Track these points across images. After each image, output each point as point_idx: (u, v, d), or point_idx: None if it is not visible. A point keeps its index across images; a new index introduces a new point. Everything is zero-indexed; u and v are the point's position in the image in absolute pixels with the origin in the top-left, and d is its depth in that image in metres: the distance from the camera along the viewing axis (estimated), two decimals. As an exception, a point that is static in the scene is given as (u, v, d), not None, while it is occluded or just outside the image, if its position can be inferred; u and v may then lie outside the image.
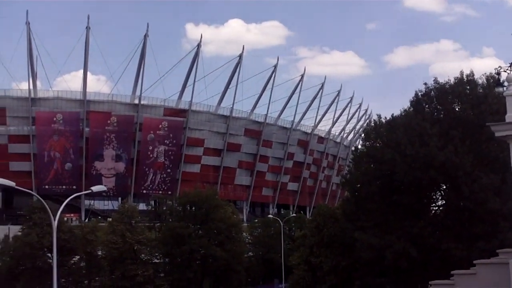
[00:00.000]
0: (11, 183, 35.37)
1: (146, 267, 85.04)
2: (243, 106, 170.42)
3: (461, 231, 57.31)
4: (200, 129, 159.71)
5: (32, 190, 48.33)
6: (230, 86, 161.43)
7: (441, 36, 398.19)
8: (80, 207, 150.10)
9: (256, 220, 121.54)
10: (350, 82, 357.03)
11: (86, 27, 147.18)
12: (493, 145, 54.81)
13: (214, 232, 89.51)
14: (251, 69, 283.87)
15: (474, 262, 34.01)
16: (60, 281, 76.05)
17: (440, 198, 63.80)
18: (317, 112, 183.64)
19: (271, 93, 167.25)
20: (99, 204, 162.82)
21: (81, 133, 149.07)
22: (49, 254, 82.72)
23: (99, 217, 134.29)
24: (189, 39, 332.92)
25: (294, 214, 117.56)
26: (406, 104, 64.67)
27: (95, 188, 40.63)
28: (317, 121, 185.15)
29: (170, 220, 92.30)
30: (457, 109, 60.72)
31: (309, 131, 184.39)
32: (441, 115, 61.10)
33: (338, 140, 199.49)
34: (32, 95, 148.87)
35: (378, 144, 63.94)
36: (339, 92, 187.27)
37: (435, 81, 62.77)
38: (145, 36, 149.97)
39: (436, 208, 64.59)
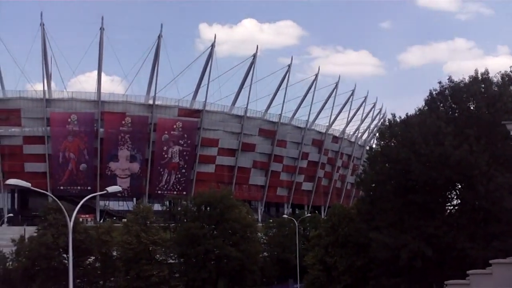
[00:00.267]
0: (27, 184, 35.46)
1: (161, 268, 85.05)
2: (257, 106, 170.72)
3: (477, 230, 57.09)
4: (215, 129, 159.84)
5: (47, 191, 48.39)
6: (244, 86, 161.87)
7: (455, 35, 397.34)
8: (95, 208, 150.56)
9: (271, 220, 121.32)
10: (364, 81, 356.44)
11: (100, 28, 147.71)
12: (508, 143, 54.44)
13: (229, 232, 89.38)
14: (265, 69, 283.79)
15: (490, 261, 33.80)
16: (76, 282, 76.22)
17: (455, 197, 63.51)
18: (332, 112, 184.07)
19: (285, 93, 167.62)
20: (113, 205, 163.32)
21: (95, 134, 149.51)
22: (65, 255, 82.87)
23: (114, 218, 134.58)
24: (203, 39, 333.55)
25: (309, 214, 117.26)
26: (421, 103, 64.40)
27: (111, 189, 40.64)
28: (331, 120, 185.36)
29: (185, 220, 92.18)
30: (472, 107, 60.40)
31: (323, 130, 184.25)
32: (456, 114, 60.84)
33: (353, 139, 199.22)
34: (47, 96, 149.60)
35: (392, 144, 63.70)
36: (353, 91, 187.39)
37: (450, 79, 62.51)
38: (159, 36, 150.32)
39: (451, 207, 64.30)
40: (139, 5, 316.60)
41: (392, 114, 66.82)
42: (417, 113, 63.34)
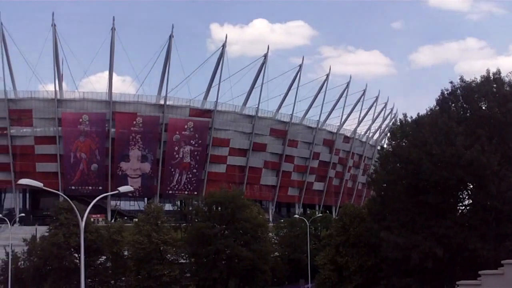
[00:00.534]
0: (39, 184, 35.52)
1: (172, 267, 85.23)
2: (268, 106, 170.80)
3: (488, 230, 56.89)
4: (226, 129, 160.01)
5: (58, 191, 48.52)
6: (256, 86, 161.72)
7: (466, 34, 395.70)
8: (106, 208, 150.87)
9: (282, 220, 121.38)
10: (375, 81, 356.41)
11: (112, 29, 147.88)
12: (520, 143, 54.46)
13: (240, 232, 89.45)
14: (276, 69, 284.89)
15: (502, 262, 33.69)
16: (87, 281, 76.42)
17: (466, 197, 63.30)
18: (343, 112, 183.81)
19: (296, 92, 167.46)
20: (125, 205, 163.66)
21: (107, 134, 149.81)
22: (76, 254, 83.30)
23: (125, 218, 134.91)
24: (214, 39, 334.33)
25: (320, 214, 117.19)
26: (432, 103, 64.33)
27: (122, 189, 40.59)
28: (342, 120, 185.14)
29: (196, 220, 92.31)
30: (483, 107, 60.21)
31: (334, 130, 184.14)
32: (468, 114, 60.69)
33: (364, 139, 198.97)
34: (58, 97, 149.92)
35: (404, 143, 63.58)
36: (364, 91, 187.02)
37: (461, 79, 62.33)
38: (170, 36, 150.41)
39: (463, 207, 64.09)
40: (150, 6, 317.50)
41: (403, 114, 66.88)
42: (429, 113, 63.20)
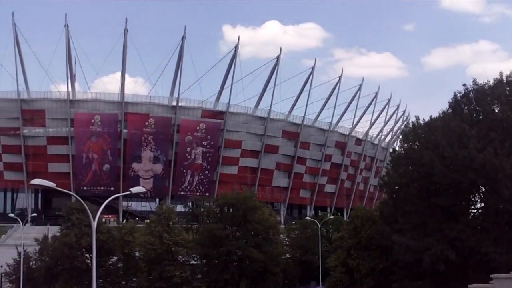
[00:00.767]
0: (52, 184, 35.63)
1: (183, 268, 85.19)
2: (280, 108, 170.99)
3: (501, 234, 56.72)
4: (238, 131, 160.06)
5: (70, 191, 48.72)
6: (268, 88, 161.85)
7: (479, 37, 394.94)
8: (118, 208, 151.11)
9: (294, 222, 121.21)
10: (388, 84, 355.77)
11: (124, 30, 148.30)
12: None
13: (251, 233, 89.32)
14: (289, 71, 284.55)
15: (514, 265, 33.63)
16: (98, 281, 76.51)
17: (479, 200, 63.15)
18: (355, 114, 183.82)
19: (308, 95, 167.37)
20: (136, 206, 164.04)
21: (119, 135, 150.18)
22: (87, 255, 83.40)
23: (137, 218, 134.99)
24: (226, 41, 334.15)
25: (331, 216, 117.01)
26: (444, 106, 64.34)
27: (135, 190, 40.61)
28: (354, 122, 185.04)
29: (208, 221, 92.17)
30: (496, 110, 60.07)
31: (346, 132, 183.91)
32: (480, 117, 60.53)
33: (376, 142, 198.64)
34: (71, 97, 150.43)
35: (416, 146, 63.47)
36: (376, 93, 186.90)
37: (474, 82, 62.27)
38: (183, 38, 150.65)
39: (475, 210, 63.98)
40: (163, 7, 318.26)
41: (415, 116, 66.73)
42: (441, 115, 63.12)
